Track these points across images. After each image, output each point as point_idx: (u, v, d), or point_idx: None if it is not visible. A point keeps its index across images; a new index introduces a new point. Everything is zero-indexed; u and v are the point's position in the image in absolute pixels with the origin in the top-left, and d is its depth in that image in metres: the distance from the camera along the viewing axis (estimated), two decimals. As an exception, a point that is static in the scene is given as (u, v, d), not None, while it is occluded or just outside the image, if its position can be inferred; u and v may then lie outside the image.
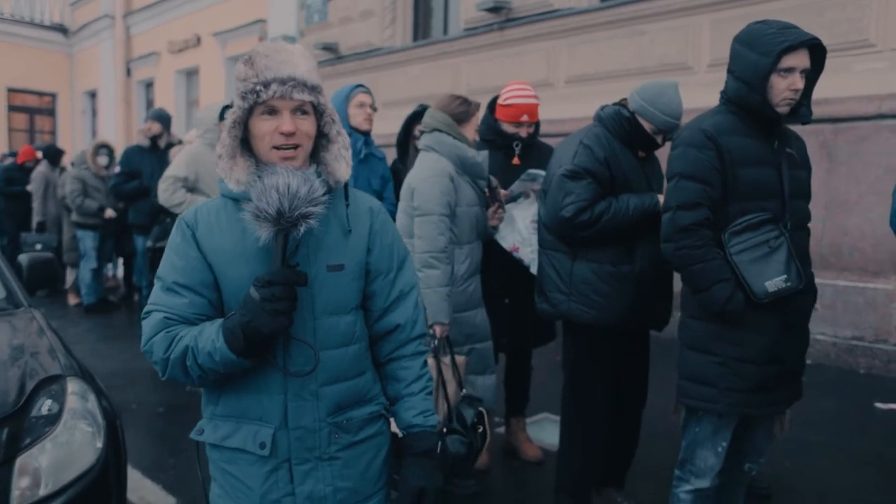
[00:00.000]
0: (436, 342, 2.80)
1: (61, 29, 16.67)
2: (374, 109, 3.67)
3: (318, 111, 1.49)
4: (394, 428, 1.65)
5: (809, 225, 2.26)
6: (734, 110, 2.11)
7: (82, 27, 16.12)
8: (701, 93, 6.34)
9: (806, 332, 2.23)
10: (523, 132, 3.26)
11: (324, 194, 1.43)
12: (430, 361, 2.77)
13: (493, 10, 7.83)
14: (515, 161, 3.29)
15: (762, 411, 2.15)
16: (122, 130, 14.75)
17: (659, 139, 2.62)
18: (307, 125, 1.46)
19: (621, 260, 2.51)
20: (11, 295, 2.82)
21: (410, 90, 9.04)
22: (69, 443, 2.17)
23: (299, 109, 1.44)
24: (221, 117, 4.16)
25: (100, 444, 2.25)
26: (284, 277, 1.37)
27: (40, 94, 16.86)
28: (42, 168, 8.41)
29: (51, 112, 17.02)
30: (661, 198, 2.44)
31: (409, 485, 1.56)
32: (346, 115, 3.55)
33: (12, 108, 16.45)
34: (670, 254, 2.12)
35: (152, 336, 1.46)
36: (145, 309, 1.50)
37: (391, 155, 3.97)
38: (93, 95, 16.44)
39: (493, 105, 3.38)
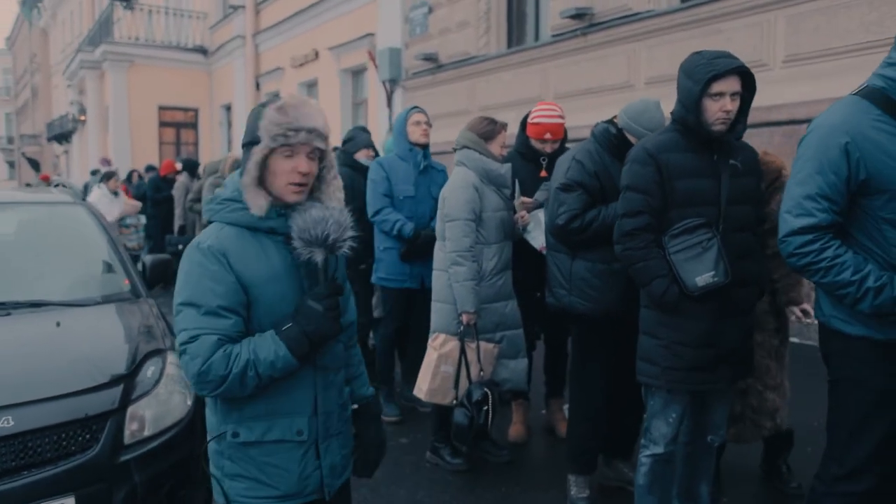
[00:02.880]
0: (462, 328, 3.30)
1: (202, 50, 18.52)
2: (430, 125, 4.17)
3: (321, 158, 1.78)
4: None
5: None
6: (679, 129, 2.44)
7: (219, 48, 17.82)
8: (776, 89, 6.42)
9: (746, 321, 2.51)
10: (548, 148, 3.66)
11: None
12: (454, 343, 3.30)
13: (577, 16, 8.14)
14: (543, 174, 3.69)
15: (701, 388, 2.47)
16: (253, 140, 16.18)
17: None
18: (315, 167, 1.74)
19: (613, 258, 2.87)
20: (135, 287, 3.59)
21: (504, 95, 9.51)
22: (166, 400, 2.83)
23: (311, 154, 1.72)
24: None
25: (189, 403, 2.91)
26: (336, 290, 1.73)
27: (185, 109, 18.83)
28: (182, 178, 9.65)
29: (193, 125, 18.94)
30: None
31: (374, 440, 2.01)
32: (406, 133, 4.11)
33: (162, 124, 18.50)
34: (619, 254, 2.50)
35: (209, 356, 1.63)
36: (188, 334, 1.65)
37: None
38: (228, 108, 18.12)
39: (525, 122, 3.79)
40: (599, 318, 2.98)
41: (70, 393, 2.58)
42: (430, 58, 10.68)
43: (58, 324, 3.03)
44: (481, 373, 3.28)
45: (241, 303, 1.72)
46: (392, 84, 11.60)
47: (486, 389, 3.19)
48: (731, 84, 2.34)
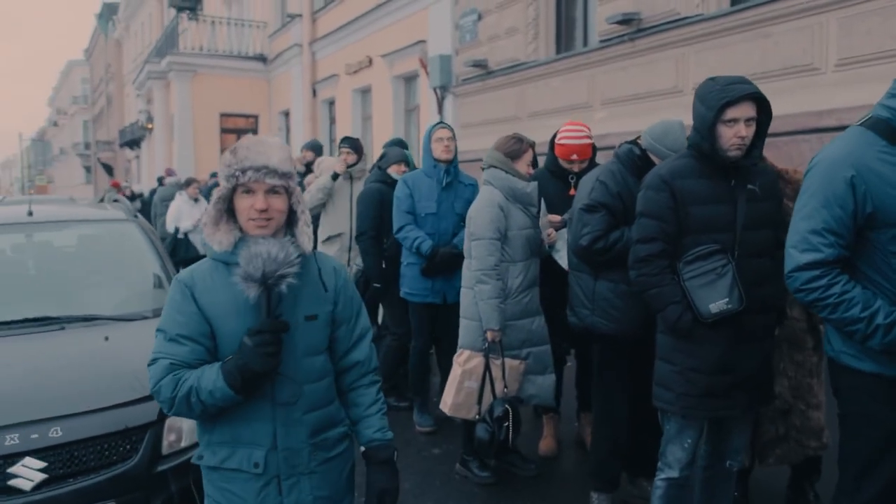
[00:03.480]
0: (487, 345, 3.37)
1: (261, 58, 19.04)
2: (454, 140, 4.19)
3: (288, 192, 1.81)
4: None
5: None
6: (695, 154, 2.45)
7: (277, 56, 18.30)
8: (829, 93, 6.25)
9: (763, 347, 2.50)
10: (575, 167, 3.70)
11: (297, 258, 1.77)
12: (479, 359, 3.37)
13: (624, 21, 8.07)
14: (572, 192, 3.72)
15: (716, 414, 2.48)
16: (310, 145, 16.58)
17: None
18: (279, 203, 1.78)
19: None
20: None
21: (552, 101, 9.50)
22: (203, 411, 3.02)
23: (272, 190, 1.76)
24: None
25: (225, 414, 3.09)
26: (271, 326, 1.71)
27: (246, 116, 19.40)
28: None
29: (254, 131, 19.49)
30: None
31: (375, 488, 1.94)
32: (430, 149, 4.19)
33: (224, 131, 19.11)
34: (633, 279, 2.52)
35: (160, 379, 1.76)
36: (151, 356, 1.81)
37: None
38: (286, 115, 18.59)
39: (553, 141, 3.83)
40: (622, 338, 3.01)
41: (113, 405, 2.77)
42: (479, 64, 10.74)
43: (106, 338, 3.24)
44: (505, 389, 3.35)
45: (203, 332, 1.80)
46: (443, 91, 11.71)
47: (507, 406, 3.26)
48: (745, 110, 2.34)
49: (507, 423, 3.22)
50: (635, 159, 2.99)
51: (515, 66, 10.16)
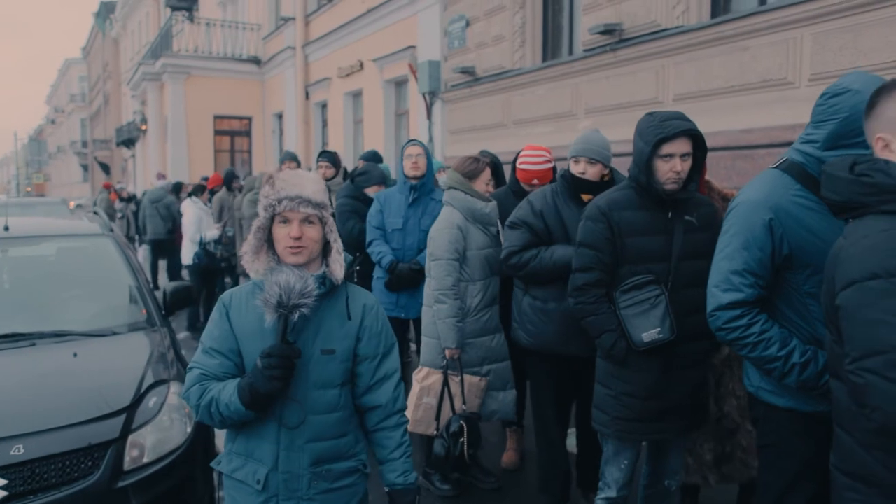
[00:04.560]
0: (445, 362, 3.46)
1: (255, 61, 19.11)
2: (424, 157, 4.27)
3: (322, 222, 1.94)
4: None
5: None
6: (634, 186, 2.54)
7: (271, 58, 18.37)
8: (802, 107, 6.29)
9: (697, 373, 2.58)
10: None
11: (318, 290, 1.89)
12: (437, 376, 3.46)
13: (606, 32, 8.15)
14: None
15: (649, 437, 2.57)
16: (302, 146, 16.63)
17: (588, 173, 3.02)
18: (313, 232, 1.91)
19: (552, 298, 3.03)
20: (150, 317, 3.87)
21: (538, 109, 9.59)
22: (166, 428, 3.08)
23: (307, 220, 1.90)
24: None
25: (189, 430, 3.15)
26: (281, 351, 1.82)
27: (239, 118, 19.47)
28: (221, 193, 10.05)
29: (247, 133, 19.58)
30: None
31: None
32: (402, 165, 4.28)
33: (218, 132, 19.19)
34: (572, 307, 2.62)
35: (190, 386, 1.95)
36: (189, 365, 2.00)
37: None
38: (280, 117, 18.66)
39: (515, 162, 3.90)
40: (538, 352, 3.15)
41: (76, 423, 2.85)
42: (467, 71, 10.83)
43: (75, 354, 3.32)
44: (463, 406, 3.43)
45: (232, 349, 1.96)
46: (431, 96, 11.80)
47: (462, 422, 3.34)
48: (681, 146, 2.42)
49: (462, 439, 3.31)
50: (562, 178, 3.10)
51: (502, 73, 10.24)
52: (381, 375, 2.03)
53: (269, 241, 1.97)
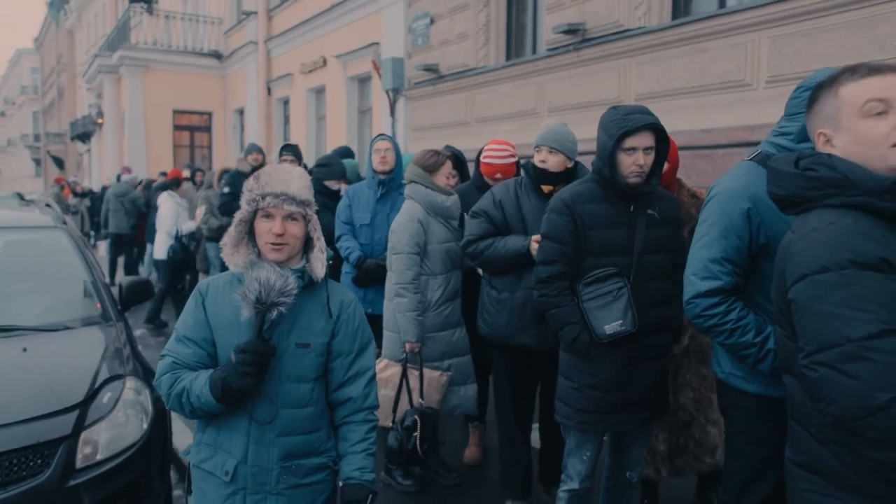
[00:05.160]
0: (405, 355, 3.44)
1: (216, 55, 18.81)
2: (393, 151, 4.23)
3: (306, 220, 1.92)
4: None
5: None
6: (597, 179, 2.55)
7: (233, 52, 18.09)
8: (759, 108, 6.46)
9: (658, 366, 2.61)
10: None
11: (298, 287, 1.87)
12: (396, 369, 3.44)
13: (570, 31, 8.21)
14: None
15: (611, 429, 2.59)
16: (263, 142, 16.42)
17: (550, 164, 3.03)
18: (295, 229, 1.89)
19: (506, 288, 3.07)
20: (105, 312, 3.76)
21: (501, 107, 9.62)
22: (121, 424, 2.99)
23: (290, 217, 1.88)
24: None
25: (145, 426, 3.06)
26: (256, 348, 1.80)
27: (199, 113, 19.14)
28: (185, 187, 9.86)
29: (207, 129, 19.27)
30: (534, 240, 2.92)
31: None
32: (371, 160, 4.24)
33: (177, 127, 18.84)
34: (535, 299, 2.62)
35: (162, 374, 1.93)
36: (162, 352, 1.98)
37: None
38: (241, 112, 18.40)
39: (479, 157, 3.90)
40: (494, 342, 3.18)
41: (25, 419, 2.75)
42: (431, 68, 10.81)
43: (24, 349, 3.20)
44: (421, 400, 3.42)
45: (205, 338, 1.95)
46: (395, 93, 11.75)
47: (416, 416, 3.33)
48: (644, 139, 2.44)
49: (415, 434, 3.30)
50: (527, 168, 3.10)
51: (466, 71, 10.25)
52: (355, 372, 2.02)
53: (249, 234, 1.95)
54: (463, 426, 4.45)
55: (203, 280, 2.04)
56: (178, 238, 8.05)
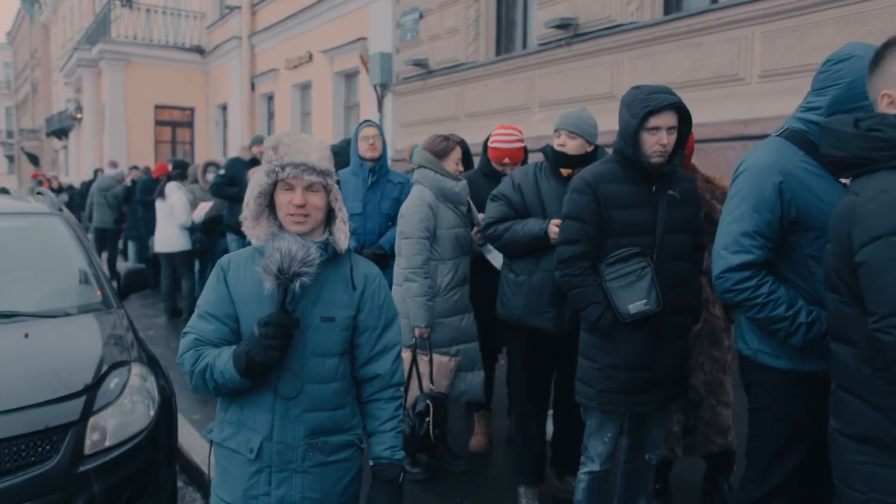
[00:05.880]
0: (415, 341, 3.42)
1: (199, 50, 18.62)
2: (380, 138, 4.17)
3: (327, 190, 1.87)
4: None
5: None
6: (618, 160, 2.54)
7: (215, 48, 17.92)
8: (752, 103, 6.53)
9: (680, 346, 2.62)
10: (508, 170, 3.75)
11: (320, 257, 1.82)
12: (407, 355, 3.41)
13: (562, 26, 8.23)
14: (506, 193, 3.80)
15: (634, 409, 2.58)
16: (247, 138, 16.26)
17: (569, 148, 3.02)
18: (316, 199, 1.84)
19: (523, 271, 3.07)
20: (106, 298, 3.69)
21: (491, 103, 9.61)
22: (128, 411, 2.93)
23: (310, 187, 1.82)
24: None
25: (152, 413, 3.00)
26: (279, 320, 1.75)
27: (182, 108, 18.93)
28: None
29: (189, 124, 19.05)
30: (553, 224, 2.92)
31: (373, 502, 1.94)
32: (357, 148, 4.18)
33: (158, 123, 18.61)
34: (557, 279, 2.61)
35: (185, 352, 1.88)
36: (184, 330, 1.92)
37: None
38: (224, 108, 18.22)
39: (487, 144, 3.88)
40: (512, 325, 3.18)
41: (32, 405, 2.68)
42: (420, 63, 10.78)
43: (26, 335, 3.13)
44: (431, 386, 3.39)
45: (228, 314, 1.89)
46: (383, 88, 11.70)
47: (428, 402, 3.31)
48: (667, 119, 2.43)
49: (427, 419, 3.27)
50: (547, 152, 3.10)
51: (455, 66, 10.23)
52: (382, 347, 1.98)
53: (270, 207, 1.90)
54: (464, 415, 4.43)
55: (224, 256, 2.00)
56: (192, 229, 7.90)
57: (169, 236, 7.95)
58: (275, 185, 1.85)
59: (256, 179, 1.90)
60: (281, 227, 1.88)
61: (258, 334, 1.76)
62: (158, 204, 8.03)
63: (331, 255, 1.90)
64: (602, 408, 2.56)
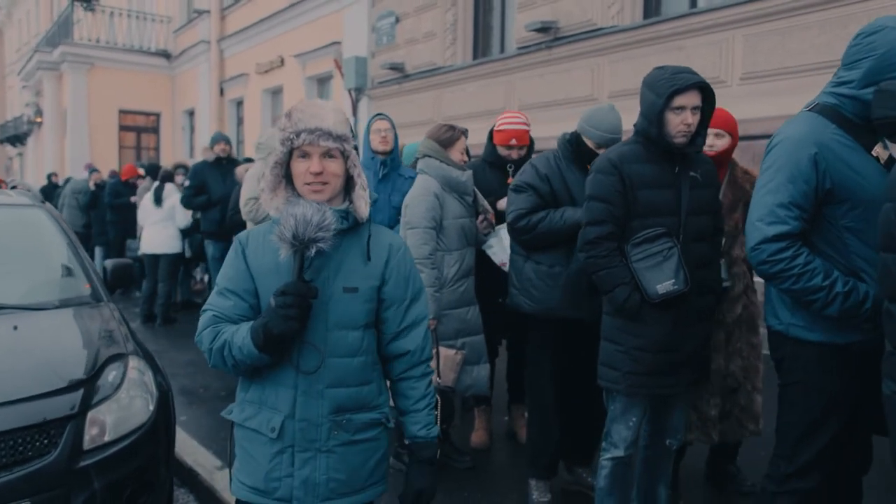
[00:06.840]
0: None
1: (165, 54, 18.30)
2: (392, 132, 4.11)
3: (344, 156, 1.77)
4: None
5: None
6: (641, 140, 2.52)
7: (182, 52, 17.63)
8: (733, 105, 6.57)
9: (704, 328, 2.61)
10: (514, 154, 3.73)
11: (340, 224, 1.74)
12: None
13: (542, 30, 8.27)
14: (509, 181, 3.75)
15: (660, 392, 2.55)
16: (216, 146, 16.02)
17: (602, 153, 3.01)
18: (334, 166, 1.75)
19: (557, 262, 3.01)
20: (95, 291, 3.53)
21: (469, 106, 9.60)
22: (127, 405, 2.79)
23: (327, 154, 1.74)
24: None
25: (151, 408, 2.87)
26: (296, 289, 1.66)
27: (147, 113, 18.55)
28: (145, 183, 9.46)
29: (155, 130, 18.68)
30: None
31: (412, 486, 1.87)
32: (369, 141, 4.12)
33: (123, 128, 18.21)
34: (583, 261, 2.57)
35: (203, 329, 1.81)
36: (203, 307, 1.86)
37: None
38: (191, 114, 17.92)
39: (492, 132, 3.85)
40: (543, 318, 3.10)
41: (28, 397, 2.54)
42: (396, 67, 10.73)
43: (15, 327, 2.98)
44: (438, 379, 3.31)
45: (247, 289, 1.81)
46: (357, 93, 11.62)
47: (436, 395, 3.22)
48: (692, 98, 2.42)
49: (435, 412, 3.18)
50: (566, 144, 3.08)
51: (433, 69, 10.21)
52: (410, 321, 1.88)
53: (287, 177, 1.81)
54: (461, 411, 4.36)
55: (243, 231, 1.92)
56: (186, 231, 7.77)
57: (163, 238, 7.71)
58: (290, 153, 1.77)
59: (270, 146, 1.81)
60: (297, 198, 1.80)
61: (275, 304, 1.67)
62: (150, 206, 7.78)
63: (352, 224, 1.81)
64: (628, 391, 2.51)
